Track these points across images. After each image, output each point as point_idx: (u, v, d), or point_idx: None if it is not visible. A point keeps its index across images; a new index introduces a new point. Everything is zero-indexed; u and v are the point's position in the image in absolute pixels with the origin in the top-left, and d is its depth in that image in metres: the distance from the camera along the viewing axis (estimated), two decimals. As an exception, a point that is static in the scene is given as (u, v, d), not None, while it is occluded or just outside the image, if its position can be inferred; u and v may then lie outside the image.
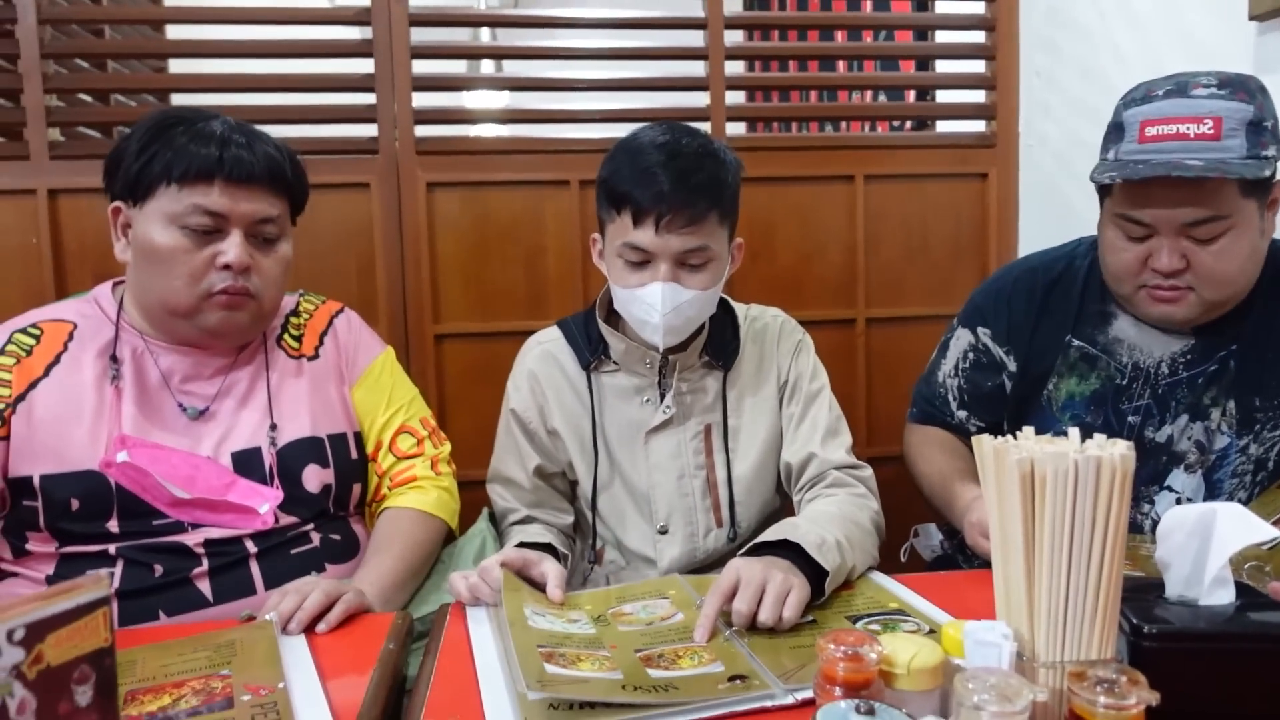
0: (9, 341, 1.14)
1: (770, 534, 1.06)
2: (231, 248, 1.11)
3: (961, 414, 1.37)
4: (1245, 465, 1.23)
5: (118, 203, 1.15)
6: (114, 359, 1.15)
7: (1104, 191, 1.20)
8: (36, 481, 1.09)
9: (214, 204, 1.10)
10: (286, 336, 1.28)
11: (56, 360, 1.14)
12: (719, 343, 1.29)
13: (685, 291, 1.16)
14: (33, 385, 1.12)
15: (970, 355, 1.36)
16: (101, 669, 0.48)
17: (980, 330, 1.35)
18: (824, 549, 1.02)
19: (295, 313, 1.31)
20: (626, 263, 1.18)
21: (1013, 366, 1.32)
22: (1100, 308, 1.27)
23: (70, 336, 1.16)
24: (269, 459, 1.17)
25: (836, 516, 1.14)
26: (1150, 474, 1.25)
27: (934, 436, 1.40)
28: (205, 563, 1.11)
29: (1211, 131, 1.07)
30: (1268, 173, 1.07)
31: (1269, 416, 1.21)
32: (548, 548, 1.18)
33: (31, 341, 1.14)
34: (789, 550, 1.02)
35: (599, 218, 1.24)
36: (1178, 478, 1.24)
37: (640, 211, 1.14)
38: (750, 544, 1.06)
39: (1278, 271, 1.20)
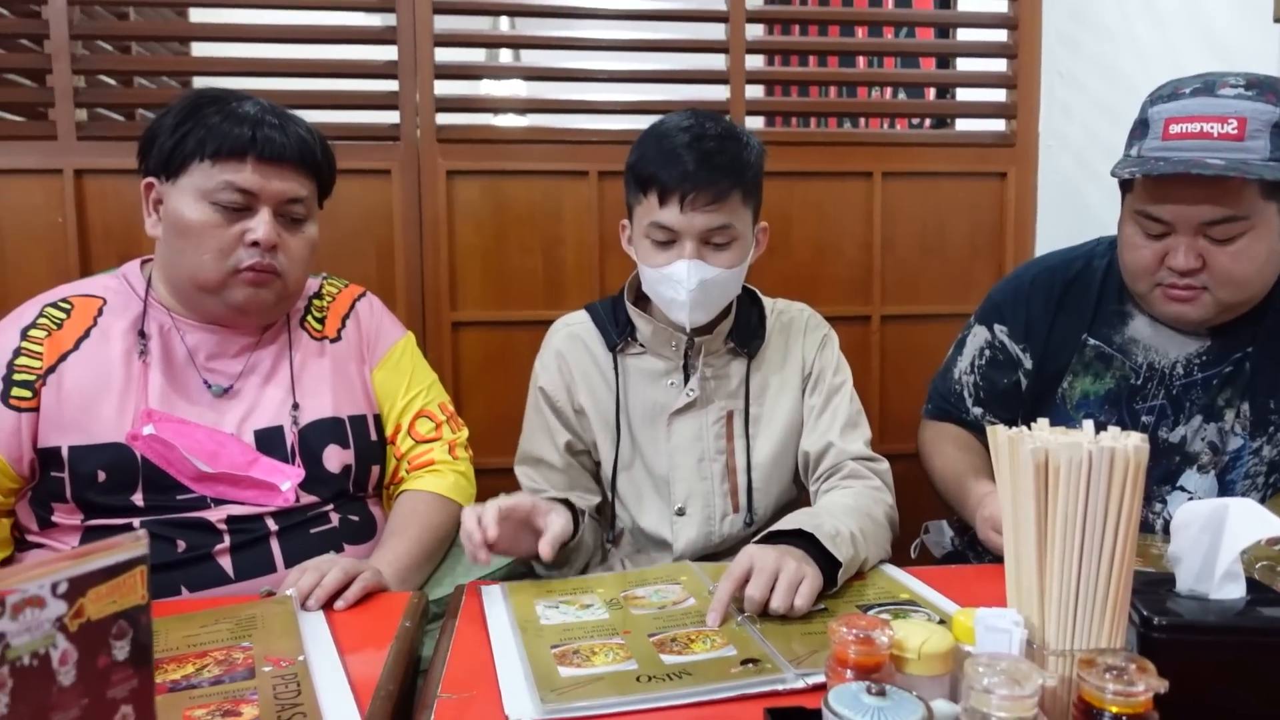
0: (40, 315, 1.16)
1: (785, 523, 1.07)
2: (260, 225, 1.14)
3: (977, 410, 1.38)
4: (1258, 467, 1.23)
5: (150, 179, 1.17)
6: (142, 334, 1.17)
7: (1125, 188, 1.21)
8: (65, 453, 1.11)
9: (245, 181, 1.13)
10: (310, 318, 1.29)
11: (86, 334, 1.16)
12: (745, 330, 1.31)
13: (710, 269, 1.19)
14: (63, 358, 1.14)
15: (986, 352, 1.37)
16: (138, 626, 0.50)
17: (997, 327, 1.35)
18: (838, 540, 1.03)
19: (319, 295, 1.33)
20: (653, 243, 1.21)
21: (1028, 364, 1.32)
22: (1117, 307, 1.27)
23: (100, 311, 1.18)
24: (291, 438, 1.19)
25: (852, 508, 1.15)
26: (1163, 474, 1.25)
27: (949, 433, 1.40)
28: (227, 539, 1.14)
29: (1235, 131, 1.07)
30: (1274, 162, 1.06)
31: None
32: (565, 503, 1.18)
33: (62, 315, 1.17)
34: (803, 540, 1.03)
35: (627, 203, 1.27)
36: (1190, 478, 1.25)
37: (665, 191, 1.17)
38: (765, 532, 1.07)
39: None
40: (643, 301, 1.31)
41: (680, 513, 1.30)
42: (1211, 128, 1.08)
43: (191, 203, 1.13)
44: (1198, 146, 1.08)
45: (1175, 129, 1.10)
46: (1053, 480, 0.67)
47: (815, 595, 0.96)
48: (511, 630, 0.93)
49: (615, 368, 1.30)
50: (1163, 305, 1.18)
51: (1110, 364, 1.27)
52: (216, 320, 1.20)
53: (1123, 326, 1.27)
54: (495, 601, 1.02)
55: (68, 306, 1.18)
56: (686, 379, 1.29)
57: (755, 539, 1.06)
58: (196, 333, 1.20)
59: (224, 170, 1.12)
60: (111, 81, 1.82)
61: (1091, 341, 1.28)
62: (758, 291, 1.36)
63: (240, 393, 1.20)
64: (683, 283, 1.19)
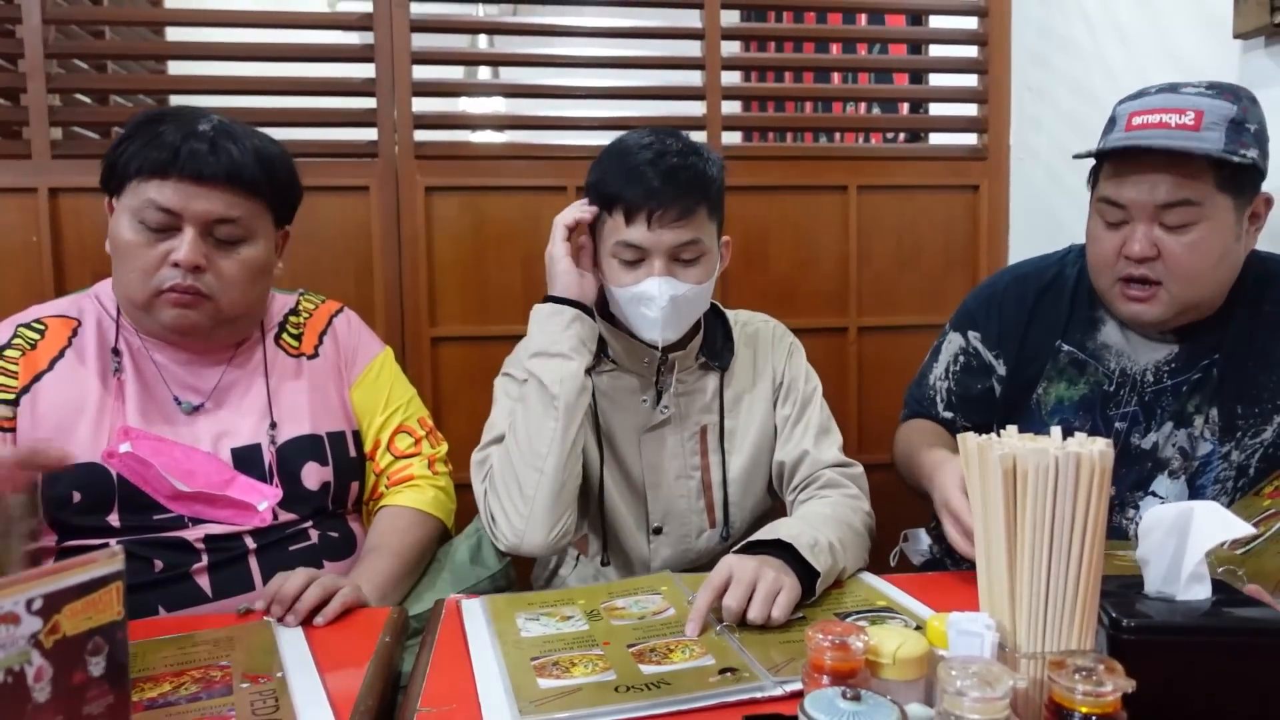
0: (14, 335, 1.16)
1: (764, 533, 1.08)
2: (182, 245, 1.11)
3: (948, 415, 1.39)
4: (1228, 472, 1.25)
5: (109, 199, 1.17)
6: (115, 352, 1.17)
7: (1093, 184, 1.24)
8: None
9: (167, 200, 1.10)
10: (285, 336, 1.29)
11: (61, 354, 1.15)
12: (714, 344, 1.32)
13: (681, 285, 1.19)
14: (37, 378, 1.13)
15: (960, 359, 1.38)
16: (114, 642, 0.50)
17: (971, 334, 1.37)
18: (816, 550, 1.04)
19: (295, 311, 1.32)
20: (621, 262, 1.20)
21: (1002, 370, 1.34)
22: (1089, 313, 1.29)
23: (74, 332, 1.18)
24: (269, 456, 1.19)
25: (830, 518, 1.15)
26: (1135, 480, 1.27)
27: (917, 425, 1.42)
28: (205, 558, 1.13)
29: (1192, 123, 1.10)
30: (1238, 158, 1.08)
31: (1251, 424, 1.23)
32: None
33: (36, 336, 1.16)
34: (782, 550, 1.03)
35: (590, 223, 1.26)
36: (1162, 484, 1.27)
37: (632, 209, 1.17)
38: (744, 542, 1.07)
39: (1259, 281, 1.23)
40: (611, 318, 1.30)
41: (657, 531, 1.30)
42: (1170, 118, 1.12)
43: (125, 221, 1.12)
44: (1157, 135, 1.12)
45: (1137, 120, 1.14)
46: (1021, 486, 0.69)
47: (793, 606, 0.97)
48: (491, 643, 0.93)
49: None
50: (1122, 305, 1.20)
51: (1084, 370, 1.28)
52: (173, 340, 1.19)
53: (1095, 332, 1.29)
54: (475, 615, 1.02)
55: (41, 327, 1.17)
56: (659, 396, 1.29)
57: (735, 548, 1.06)
58: (165, 350, 1.19)
59: (149, 189, 1.10)
60: (87, 100, 1.82)
61: (1065, 347, 1.29)
62: (719, 305, 1.37)
63: (213, 411, 1.19)
64: (655, 299, 1.18)
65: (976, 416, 1.37)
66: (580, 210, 1.24)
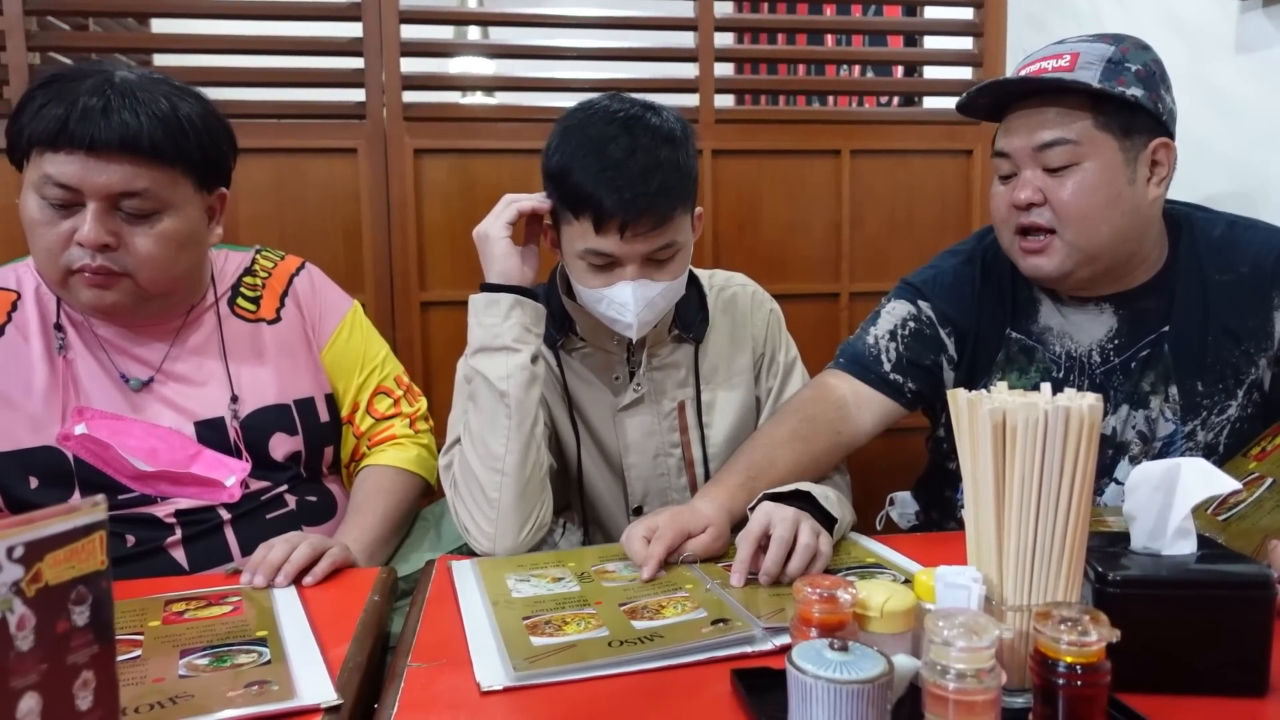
0: None
1: (783, 485, 1.07)
2: (84, 224, 1.02)
3: (896, 376, 1.24)
4: (1194, 452, 1.20)
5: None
6: (58, 328, 1.11)
7: None
8: None
9: (62, 174, 1.01)
10: (240, 300, 1.22)
11: (1, 331, 1.10)
12: (688, 315, 1.26)
13: (655, 286, 1.11)
14: None
15: (911, 324, 1.26)
16: (98, 591, 0.49)
17: (921, 303, 1.27)
18: (829, 502, 1.05)
19: (250, 271, 1.25)
20: (590, 265, 1.11)
21: (953, 352, 1.26)
22: (1028, 293, 1.24)
23: (14, 306, 1.11)
24: (233, 431, 1.15)
25: (828, 482, 1.17)
26: (1098, 468, 1.24)
27: (816, 406, 1.22)
28: (178, 531, 1.10)
29: (1067, 64, 1.09)
30: (1114, 92, 1.07)
31: (1215, 401, 1.19)
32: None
33: None
34: (799, 501, 1.03)
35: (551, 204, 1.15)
36: (1124, 469, 1.22)
37: (603, 219, 1.06)
38: (761, 494, 1.05)
39: (1201, 246, 1.19)
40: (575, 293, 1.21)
41: (638, 511, 1.27)
42: (1047, 64, 1.11)
43: (30, 198, 1.04)
44: (1031, 80, 1.11)
45: (1023, 73, 1.13)
46: (1010, 440, 0.69)
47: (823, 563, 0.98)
48: (482, 602, 0.93)
49: (559, 364, 1.25)
50: (1021, 260, 1.17)
51: (1033, 356, 1.23)
52: (122, 317, 1.12)
53: (1036, 315, 1.24)
54: (465, 575, 1.02)
55: None
56: (632, 374, 1.24)
57: (751, 504, 1.04)
58: (107, 324, 1.12)
59: (45, 162, 1.02)
60: (67, 61, 1.78)
61: (1014, 335, 1.24)
62: (692, 269, 1.27)
63: (166, 385, 1.14)
64: (628, 306, 1.10)
65: (921, 387, 1.25)
66: (539, 202, 1.15)
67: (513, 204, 1.15)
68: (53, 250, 1.04)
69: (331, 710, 0.71)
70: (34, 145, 1.02)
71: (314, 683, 0.74)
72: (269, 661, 0.78)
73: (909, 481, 1.48)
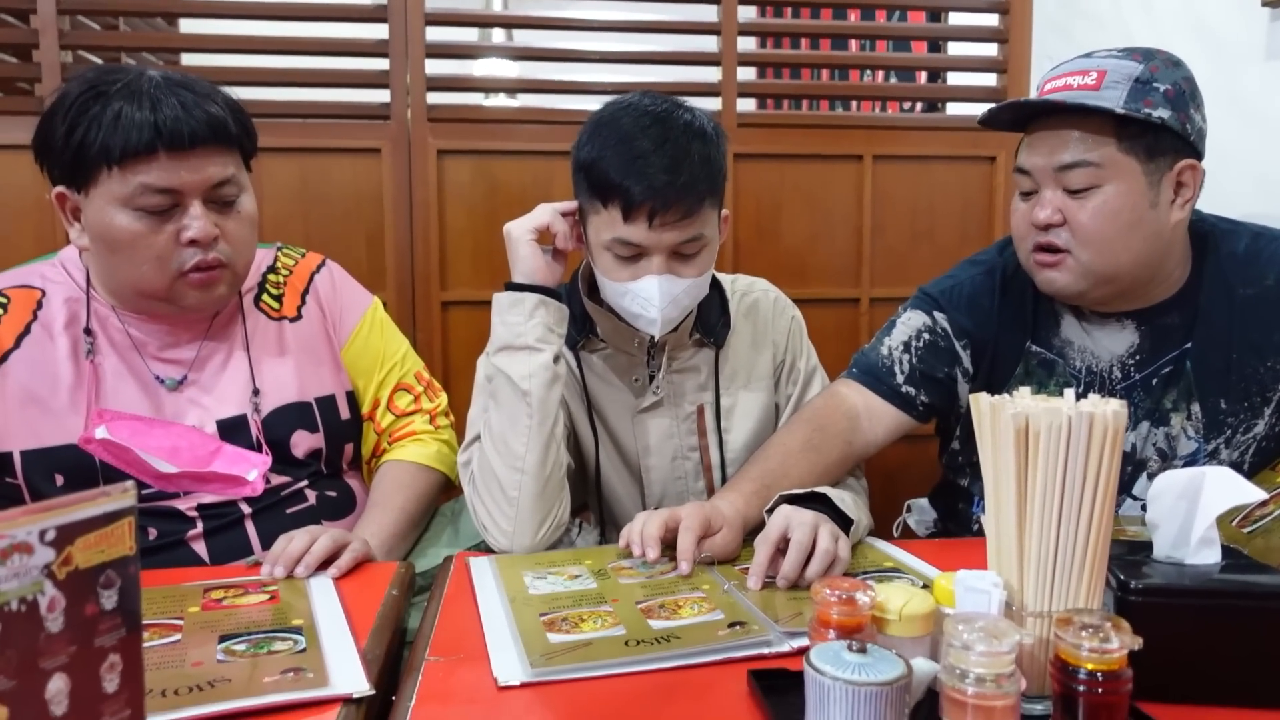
0: None
1: (798, 489, 1.07)
2: (194, 221, 1.04)
3: (908, 389, 1.23)
4: None
5: (60, 188, 1.07)
6: (88, 331, 1.11)
7: None
8: (17, 458, 1.07)
9: (163, 180, 1.02)
10: (265, 297, 1.23)
11: (27, 330, 1.10)
12: (710, 319, 1.25)
13: (681, 282, 1.12)
14: (3, 358, 1.08)
15: (925, 335, 1.25)
16: (126, 576, 0.50)
17: (937, 314, 1.25)
18: (845, 505, 1.05)
19: (273, 269, 1.26)
20: (616, 257, 1.12)
21: (968, 364, 1.24)
22: (1049, 306, 1.22)
23: (39, 305, 1.11)
24: (255, 427, 1.15)
25: (847, 486, 1.17)
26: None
27: (828, 415, 1.22)
28: (200, 525, 1.11)
29: (1093, 83, 1.06)
30: (1140, 115, 1.04)
31: (1241, 420, 1.16)
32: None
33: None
34: (816, 504, 1.03)
35: (578, 201, 1.17)
36: (1141, 486, 1.20)
37: (632, 207, 1.07)
38: (777, 496, 1.05)
39: (1218, 262, 1.16)
40: (598, 293, 1.22)
41: None
42: (1073, 80, 1.08)
43: (113, 213, 1.03)
44: (1056, 97, 1.08)
45: (1048, 87, 1.11)
46: (1033, 445, 0.68)
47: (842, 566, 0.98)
48: (500, 599, 0.94)
49: (579, 365, 1.25)
50: (1036, 274, 1.15)
51: (1053, 370, 1.22)
52: (164, 315, 1.13)
53: (1057, 328, 1.22)
54: (483, 572, 1.02)
55: (4, 300, 1.11)
56: (652, 377, 1.24)
57: (768, 506, 1.04)
58: (142, 324, 1.13)
59: (135, 173, 1.01)
60: (98, 60, 1.81)
61: (1034, 348, 1.22)
62: (715, 273, 1.26)
63: (196, 383, 1.15)
64: (653, 301, 1.10)
65: (934, 400, 1.24)
66: (569, 205, 1.17)
67: (551, 209, 1.17)
68: (164, 257, 1.05)
69: (352, 702, 0.72)
70: (119, 162, 1.00)
71: (348, 672, 0.76)
72: (304, 650, 0.80)
73: (927, 488, 1.47)
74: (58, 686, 0.47)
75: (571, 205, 1.18)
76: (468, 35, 2.84)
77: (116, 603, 0.50)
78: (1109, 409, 0.68)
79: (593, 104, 1.83)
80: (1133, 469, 1.20)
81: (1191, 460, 1.18)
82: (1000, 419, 0.69)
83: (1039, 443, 0.68)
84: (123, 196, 1.02)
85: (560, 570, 1.02)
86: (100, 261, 1.10)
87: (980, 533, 1.24)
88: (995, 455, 0.71)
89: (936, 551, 1.07)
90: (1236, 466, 1.18)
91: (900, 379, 1.24)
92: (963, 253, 1.94)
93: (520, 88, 1.91)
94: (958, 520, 1.37)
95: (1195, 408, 1.17)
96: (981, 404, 0.73)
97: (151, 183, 1.02)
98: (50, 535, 0.46)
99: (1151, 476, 1.18)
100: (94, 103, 1.02)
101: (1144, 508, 1.17)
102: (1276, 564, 0.91)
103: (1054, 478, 0.68)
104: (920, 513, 1.48)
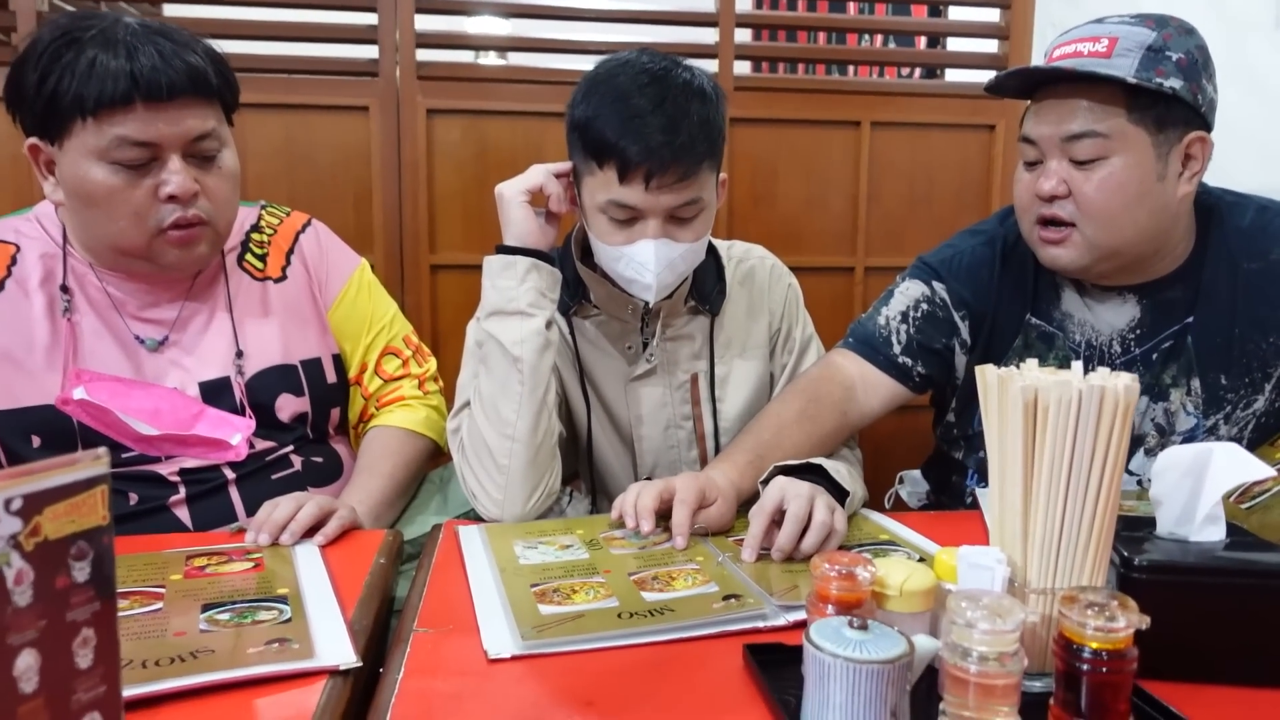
0: None
1: (793, 460, 1.05)
2: (173, 176, 1.00)
3: (904, 360, 1.22)
4: None
5: (33, 140, 1.02)
6: (64, 289, 1.07)
7: None
8: None
9: (139, 132, 0.98)
10: (249, 256, 1.19)
11: (1, 286, 1.07)
12: (705, 286, 1.23)
13: (677, 246, 1.09)
14: None
15: (924, 306, 1.23)
16: (99, 547, 0.48)
17: (936, 284, 1.23)
18: (840, 476, 1.04)
19: (257, 228, 1.22)
20: (611, 220, 1.09)
21: (966, 336, 1.23)
22: (1050, 278, 1.20)
23: (13, 260, 1.08)
24: (238, 390, 1.12)
25: (838, 457, 1.15)
26: None
27: (823, 386, 1.20)
28: (182, 490, 1.09)
29: (1104, 50, 1.03)
30: (1151, 85, 1.01)
31: (1241, 395, 1.16)
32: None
33: None
34: (811, 475, 1.02)
35: (572, 161, 1.14)
36: (1138, 461, 1.19)
37: (628, 168, 1.04)
38: (772, 467, 1.04)
39: (1223, 236, 1.14)
40: (592, 258, 1.19)
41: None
42: (1084, 46, 1.05)
43: (88, 166, 0.99)
44: (1066, 64, 1.05)
45: (1058, 53, 1.07)
46: (1041, 419, 0.67)
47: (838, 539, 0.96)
48: (490, 569, 0.92)
49: (571, 331, 1.22)
50: (1040, 250, 1.13)
51: (1052, 343, 1.20)
52: (144, 273, 1.10)
53: (1057, 300, 1.20)
54: (472, 541, 1.01)
55: None
56: (645, 344, 1.22)
57: (762, 477, 1.03)
58: (121, 283, 1.10)
59: (111, 125, 0.97)
60: (70, 8, 1.74)
61: (1034, 320, 1.21)
62: (711, 239, 1.23)
63: (178, 344, 1.12)
64: (649, 266, 1.08)
65: (932, 371, 1.23)
66: (562, 166, 1.14)
67: (545, 171, 1.14)
68: (141, 213, 1.01)
69: (339, 674, 0.70)
70: (94, 112, 0.96)
71: (334, 643, 0.74)
72: (289, 620, 0.78)
73: (919, 460, 1.47)
74: (27, 663, 0.45)
75: (565, 166, 1.14)
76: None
77: (89, 575, 0.47)
78: (1120, 383, 0.66)
79: (586, 64, 1.78)
80: (1130, 443, 1.19)
81: (1190, 436, 1.17)
82: (1009, 392, 0.68)
83: (1048, 416, 0.66)
84: (98, 149, 0.98)
85: (551, 540, 1.01)
86: (76, 217, 1.06)
87: (973, 505, 1.25)
88: (1001, 429, 0.69)
89: (931, 524, 1.06)
90: (1235, 442, 1.15)
91: (897, 349, 1.22)
92: (960, 222, 1.92)
93: (513, 46, 1.86)
94: (950, 492, 1.36)
95: (1195, 383, 1.16)
96: (989, 376, 0.71)
97: (128, 135, 0.98)
98: (16, 504, 0.43)
99: (1149, 452, 1.18)
100: (67, 50, 0.97)
101: (1140, 483, 1.19)
102: (1275, 540, 0.91)
103: (1062, 453, 0.66)
104: (913, 484, 1.47)
